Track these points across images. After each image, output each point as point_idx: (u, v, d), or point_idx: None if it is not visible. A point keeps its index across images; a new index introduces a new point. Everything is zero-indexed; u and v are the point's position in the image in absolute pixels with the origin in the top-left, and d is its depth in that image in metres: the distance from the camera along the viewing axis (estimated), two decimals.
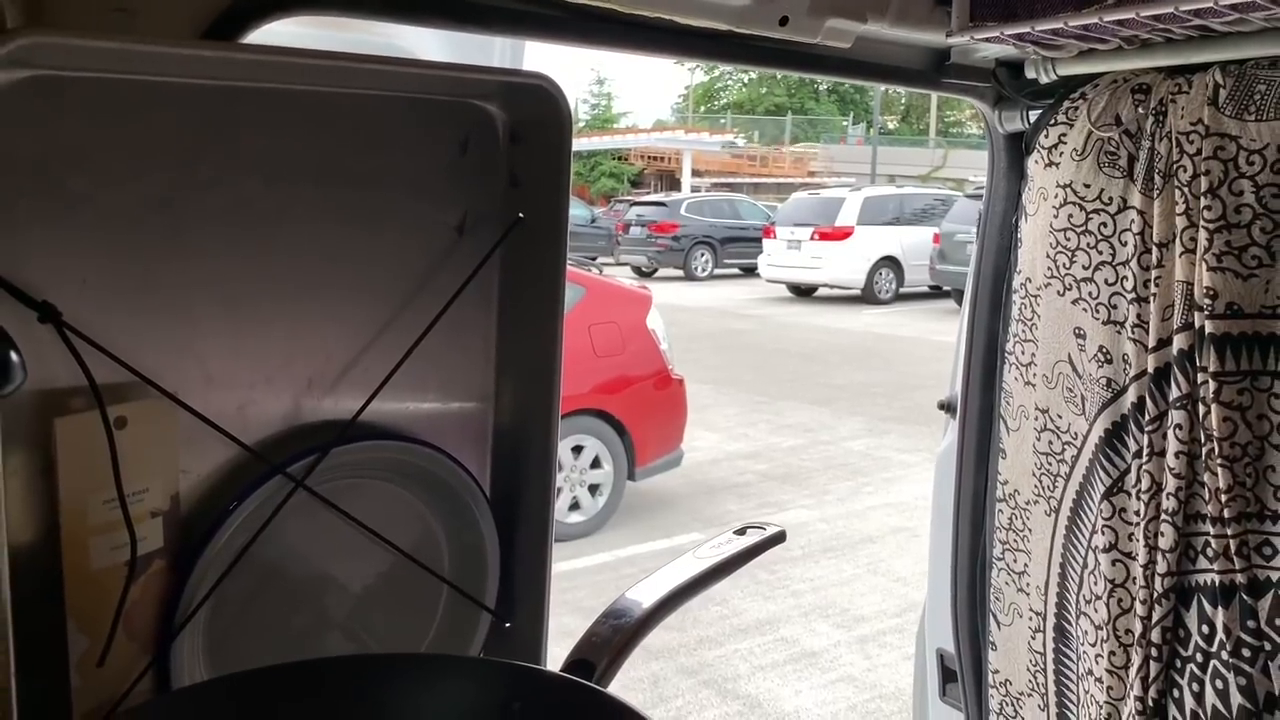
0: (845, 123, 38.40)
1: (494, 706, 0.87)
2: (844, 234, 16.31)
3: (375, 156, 1.06)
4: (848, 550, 6.12)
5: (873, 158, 29.24)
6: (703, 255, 19.96)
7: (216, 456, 1.00)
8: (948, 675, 1.94)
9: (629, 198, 26.15)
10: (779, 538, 1.18)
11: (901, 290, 16.71)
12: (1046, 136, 1.49)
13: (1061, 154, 1.48)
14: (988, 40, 1.35)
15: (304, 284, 1.03)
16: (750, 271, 19.11)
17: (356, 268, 1.07)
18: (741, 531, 1.18)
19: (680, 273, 19.72)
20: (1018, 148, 1.60)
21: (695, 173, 31.82)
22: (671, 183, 32.45)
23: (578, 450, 6.03)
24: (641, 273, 19.58)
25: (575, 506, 6.09)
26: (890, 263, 16.57)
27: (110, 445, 0.87)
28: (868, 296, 16.48)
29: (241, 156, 0.97)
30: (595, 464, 6.14)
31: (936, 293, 16.10)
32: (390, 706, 0.88)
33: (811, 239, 16.46)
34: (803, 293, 17.47)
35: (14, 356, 0.67)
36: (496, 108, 1.12)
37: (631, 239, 20.23)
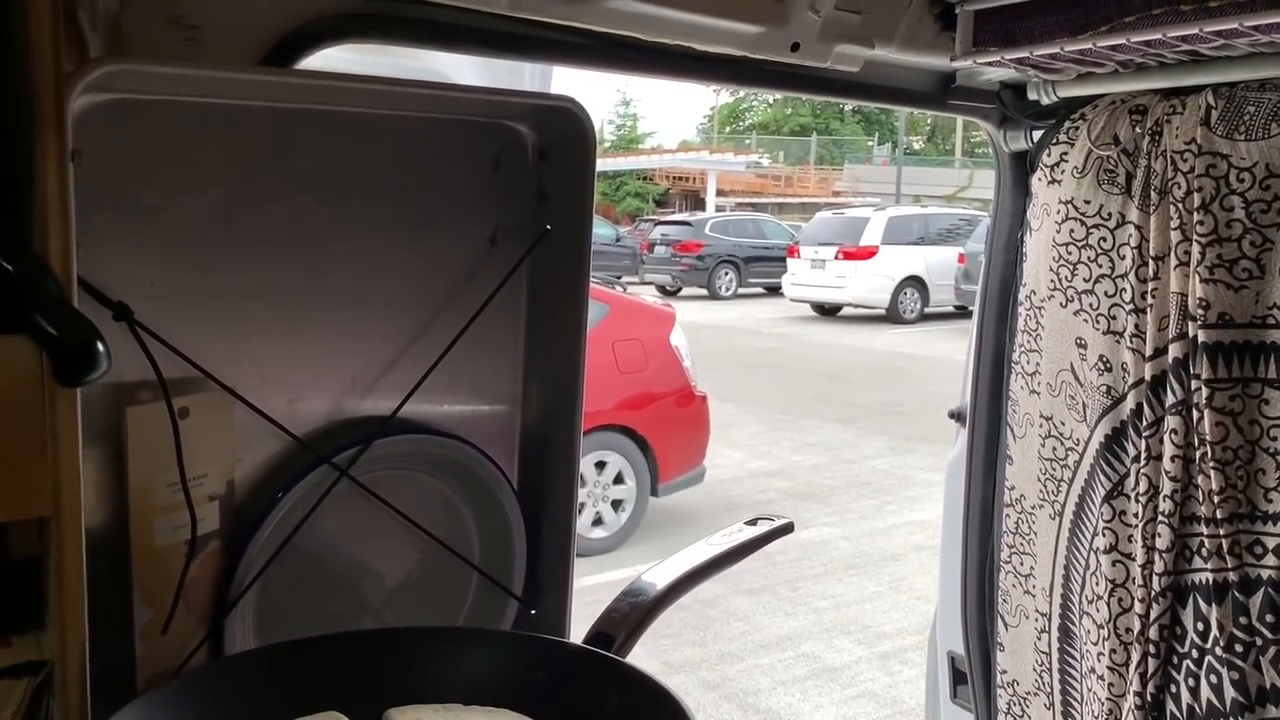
0: (870, 143, 38.45)
1: (520, 675, 0.95)
2: (868, 253, 16.32)
3: (415, 173, 1.15)
4: (870, 568, 6.15)
5: (898, 178, 29.26)
6: (727, 274, 20.02)
7: (268, 447, 1.09)
8: (958, 677, 2.00)
9: (654, 217, 26.28)
10: (787, 528, 1.25)
11: (926, 310, 16.69)
12: (1049, 155, 1.57)
13: (1063, 172, 1.55)
14: (990, 64, 1.43)
15: (349, 290, 1.12)
16: (774, 291, 19.15)
17: (397, 276, 1.16)
18: (753, 522, 1.25)
19: (704, 292, 19.79)
20: (1022, 166, 1.68)
21: (720, 193, 31.94)
22: (696, 203, 32.58)
23: (601, 466, 6.09)
24: (666, 291, 19.66)
25: (598, 522, 6.15)
26: (915, 282, 16.56)
27: (174, 433, 0.96)
28: (892, 316, 16.47)
29: (294, 173, 1.07)
30: (618, 480, 6.19)
31: (961, 313, 16.06)
32: (424, 674, 0.95)
33: (836, 258, 16.48)
34: (827, 312, 17.48)
35: (100, 346, 0.75)
36: (526, 128, 1.21)
37: (656, 258, 20.33)
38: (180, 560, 0.99)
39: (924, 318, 16.63)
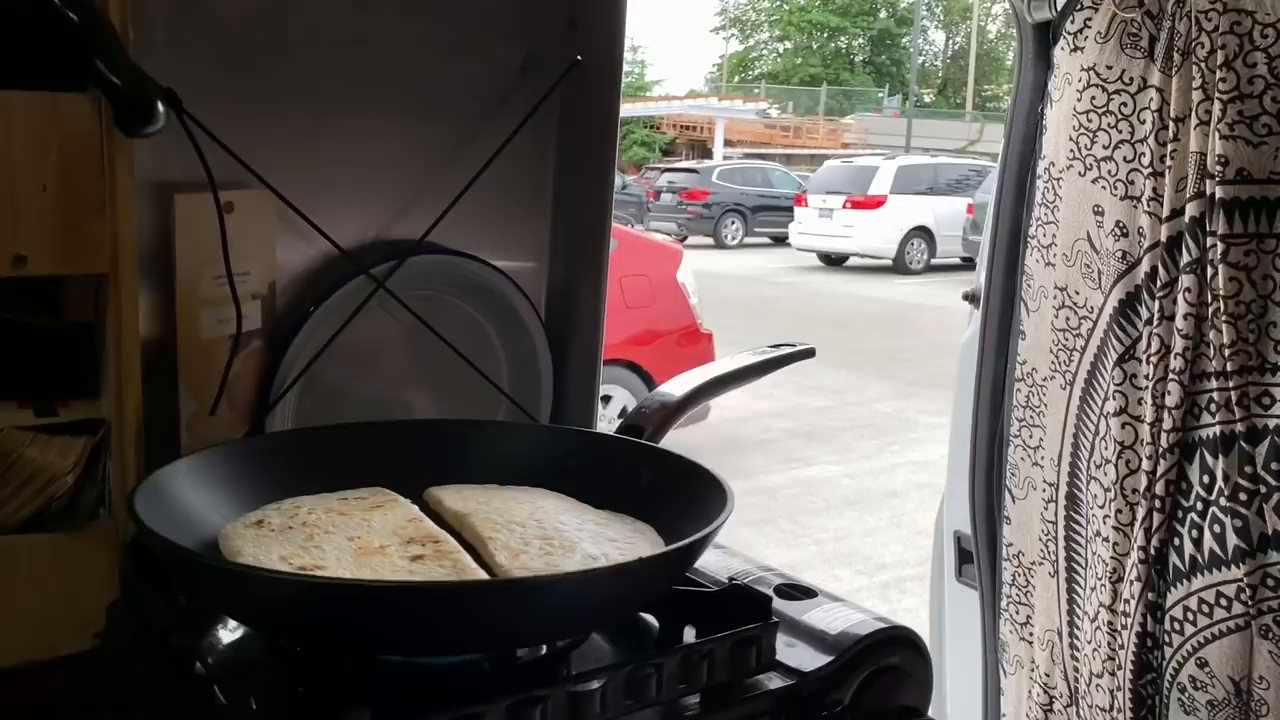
0: (880, 94, 38.05)
1: (553, 462, 0.98)
2: (876, 203, 16.23)
3: None
4: (871, 504, 6.22)
5: (908, 130, 29.01)
6: (733, 223, 19.93)
7: (306, 257, 1.12)
8: (964, 557, 2.04)
9: (661, 164, 26.10)
10: (809, 353, 1.29)
11: (933, 261, 16.64)
12: (1072, 22, 1.57)
13: (1086, 38, 1.55)
14: None
15: (386, 104, 1.14)
16: (781, 240, 19.08)
17: (431, 95, 1.18)
18: (775, 347, 1.29)
19: (710, 240, 19.71)
20: (1045, 37, 1.68)
21: (728, 143, 31.64)
22: (703, 153, 32.28)
23: (606, 400, 6.11)
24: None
25: None
26: (922, 233, 16.48)
27: (220, 223, 0.98)
28: (899, 266, 16.42)
29: None
30: (623, 414, 6.23)
31: (968, 264, 16.01)
32: (461, 460, 0.98)
33: (844, 208, 16.38)
34: (833, 262, 17.43)
35: (159, 105, 0.77)
36: None
37: (662, 205, 20.22)
38: (224, 354, 1.03)
39: (930, 269, 16.59)
